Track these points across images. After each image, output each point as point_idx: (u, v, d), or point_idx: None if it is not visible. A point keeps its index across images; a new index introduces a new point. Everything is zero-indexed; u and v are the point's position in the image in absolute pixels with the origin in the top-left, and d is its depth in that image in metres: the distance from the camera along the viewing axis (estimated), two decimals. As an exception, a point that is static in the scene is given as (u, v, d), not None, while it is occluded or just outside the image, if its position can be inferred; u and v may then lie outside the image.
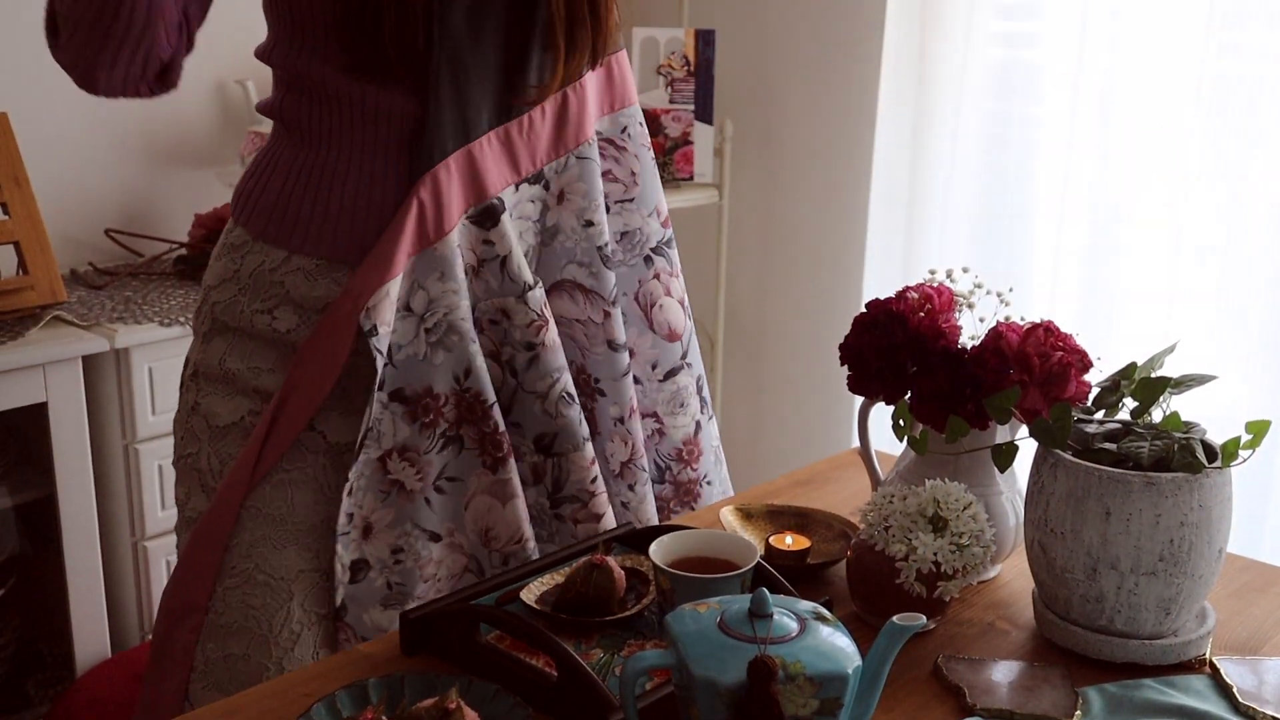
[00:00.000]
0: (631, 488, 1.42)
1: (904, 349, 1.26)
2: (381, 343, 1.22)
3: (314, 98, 1.25)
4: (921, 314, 1.27)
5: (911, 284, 1.32)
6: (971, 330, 1.29)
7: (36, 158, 2.36)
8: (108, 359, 2.19)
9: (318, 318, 1.26)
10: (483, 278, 1.28)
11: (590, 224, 1.35)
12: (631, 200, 1.42)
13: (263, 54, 1.29)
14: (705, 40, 2.73)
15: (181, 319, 2.23)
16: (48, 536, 2.23)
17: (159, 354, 2.21)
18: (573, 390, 1.33)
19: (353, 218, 1.26)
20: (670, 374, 1.46)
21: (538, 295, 1.30)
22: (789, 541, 1.32)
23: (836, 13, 2.74)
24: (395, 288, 1.22)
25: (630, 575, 1.21)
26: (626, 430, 1.39)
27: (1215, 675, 1.14)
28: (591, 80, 1.35)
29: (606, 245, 1.36)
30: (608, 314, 1.37)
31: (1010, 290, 1.34)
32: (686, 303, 1.49)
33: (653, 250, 1.44)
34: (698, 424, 1.49)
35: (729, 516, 1.41)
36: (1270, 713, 1.07)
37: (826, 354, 2.80)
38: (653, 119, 2.74)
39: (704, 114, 2.76)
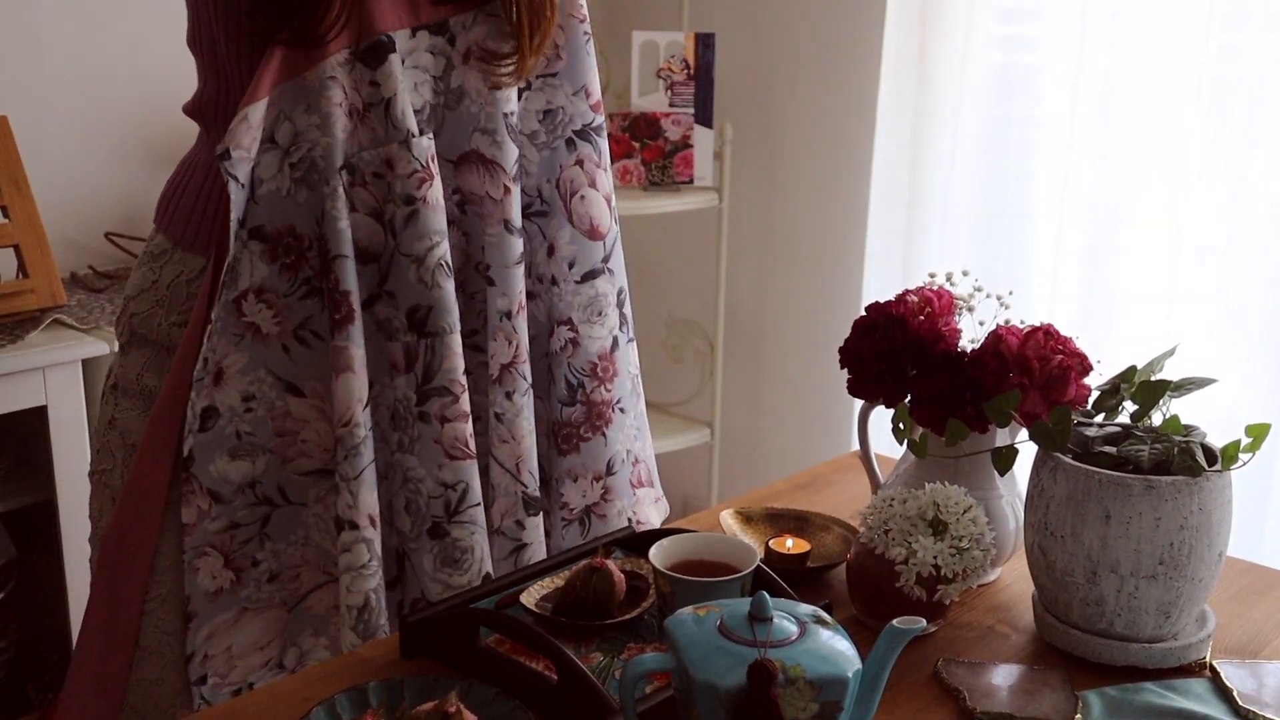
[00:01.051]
0: (509, 396, 1.30)
1: (904, 352, 1.26)
2: (235, 168, 1.15)
3: (229, 86, 1.21)
4: (921, 317, 1.27)
5: (911, 286, 1.32)
6: (971, 333, 1.29)
7: (36, 161, 2.36)
8: (108, 362, 2.18)
9: None
10: (368, 124, 1.20)
11: (496, 88, 1.27)
12: (554, 75, 1.30)
13: (188, 38, 1.26)
14: (705, 44, 2.73)
15: (181, 322, 2.23)
16: (47, 540, 2.23)
17: (159, 357, 2.21)
18: (450, 262, 1.23)
19: None
20: (589, 276, 1.35)
21: (423, 144, 1.20)
22: (789, 545, 1.32)
23: (836, 15, 2.75)
24: (255, 113, 1.15)
25: (630, 578, 1.21)
26: (512, 328, 1.29)
27: (1215, 678, 1.14)
28: None
29: (513, 114, 1.27)
30: (508, 190, 1.27)
31: (1010, 293, 1.34)
32: (615, 204, 1.37)
33: (576, 133, 1.33)
34: (615, 340, 1.38)
35: (729, 519, 1.41)
36: (1270, 716, 1.07)
37: (826, 356, 2.80)
38: (652, 122, 2.74)
39: (704, 117, 2.76)
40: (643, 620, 1.17)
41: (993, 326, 1.27)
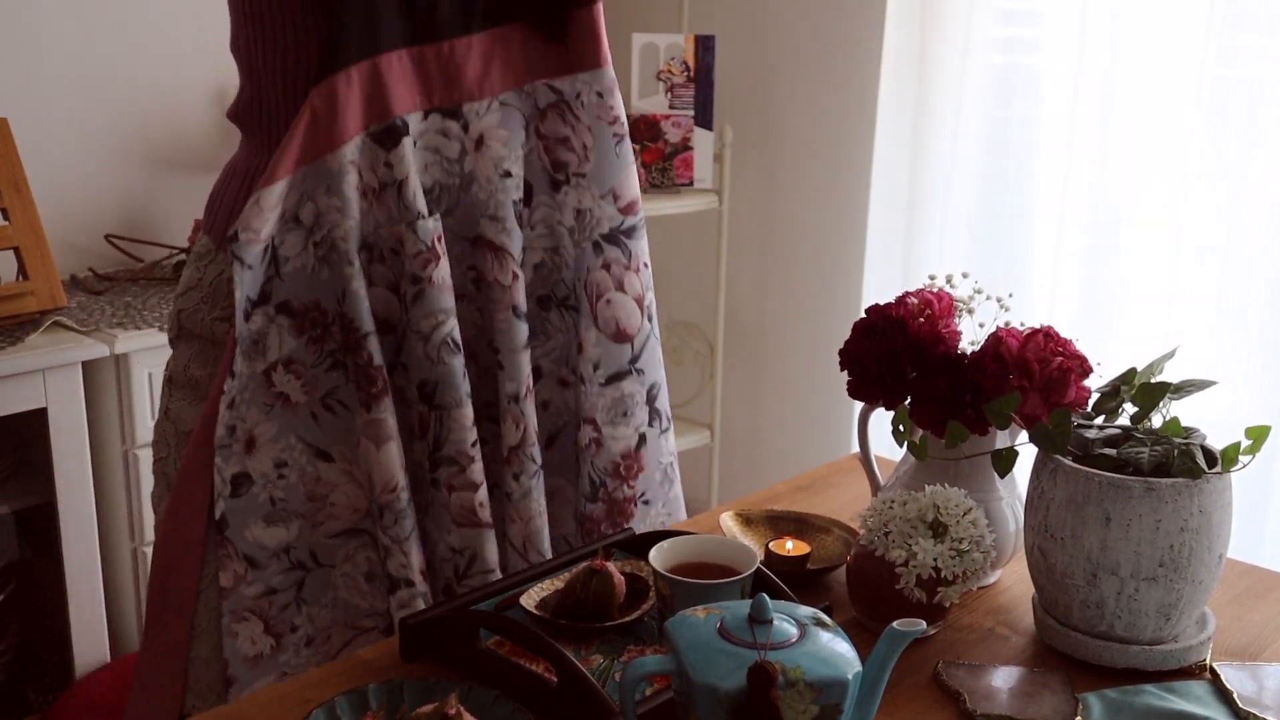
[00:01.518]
0: (516, 478, 1.31)
1: (904, 354, 1.26)
2: (243, 250, 1.18)
3: (262, 93, 1.24)
4: (921, 319, 1.27)
5: (911, 287, 1.32)
6: (971, 335, 1.29)
7: (37, 163, 2.36)
8: (107, 364, 2.19)
9: None
10: (384, 203, 1.23)
11: (508, 174, 1.28)
12: (583, 176, 1.32)
13: (231, 44, 1.29)
14: (705, 46, 2.73)
15: (181, 324, 2.23)
16: (47, 542, 2.23)
17: (159, 359, 2.21)
18: (459, 339, 1.26)
19: None
20: (614, 378, 1.35)
21: (429, 226, 1.23)
22: (789, 547, 1.32)
23: (836, 16, 2.75)
24: (269, 197, 1.18)
25: (630, 580, 1.21)
26: (519, 411, 1.31)
27: (1215, 681, 1.14)
28: (538, 31, 1.27)
29: (521, 201, 1.29)
30: (516, 276, 1.29)
31: (1010, 295, 1.34)
32: (649, 303, 1.38)
33: (603, 237, 1.33)
34: (641, 437, 1.39)
35: (729, 521, 1.40)
36: (1270, 718, 1.07)
37: (826, 358, 2.80)
38: (653, 124, 2.74)
39: (704, 119, 2.76)
40: (643, 622, 1.17)
41: (993, 328, 1.27)
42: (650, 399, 1.39)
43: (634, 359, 1.37)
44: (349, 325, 1.23)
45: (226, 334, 1.26)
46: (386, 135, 1.21)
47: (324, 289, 1.23)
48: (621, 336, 1.35)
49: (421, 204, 1.23)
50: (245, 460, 1.23)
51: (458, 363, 1.26)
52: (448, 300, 1.25)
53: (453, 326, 1.26)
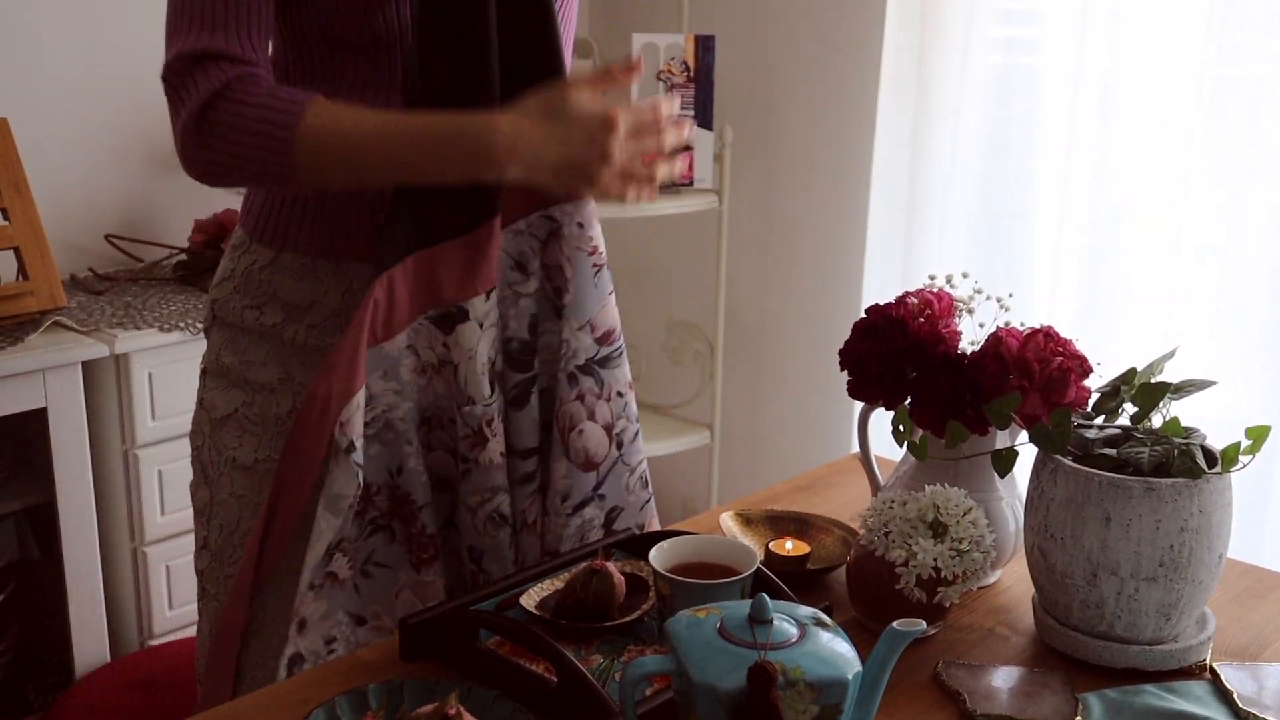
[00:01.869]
0: None
1: (904, 354, 1.26)
2: (360, 457, 1.20)
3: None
4: (921, 319, 1.27)
5: (911, 287, 1.32)
6: (971, 335, 1.29)
7: (37, 163, 2.36)
8: (107, 364, 2.19)
9: (304, 314, 1.28)
10: (443, 377, 1.26)
11: (502, 316, 1.30)
12: (565, 306, 1.32)
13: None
14: (705, 46, 2.73)
15: (181, 324, 2.22)
16: (48, 542, 2.23)
17: (159, 359, 2.21)
18: (507, 513, 1.29)
19: (336, 214, 1.27)
20: (580, 506, 1.35)
21: (476, 413, 1.25)
22: (789, 547, 1.32)
23: (836, 16, 2.75)
24: (362, 396, 1.20)
25: (630, 581, 1.21)
26: (520, 542, 1.34)
27: (1215, 681, 1.14)
28: None
29: (511, 341, 1.30)
30: (507, 413, 1.31)
31: (1010, 295, 1.34)
32: (620, 430, 1.37)
33: (579, 368, 1.33)
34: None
35: (729, 522, 1.40)
36: (1270, 718, 1.07)
37: (826, 358, 2.80)
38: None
39: (704, 120, 2.75)
40: (643, 622, 1.17)
41: (993, 328, 1.27)
42: (608, 522, 1.39)
43: (598, 485, 1.36)
44: (404, 497, 1.26)
45: (256, 321, 1.30)
46: (443, 319, 1.24)
47: (370, 464, 1.24)
48: (588, 465, 1.35)
49: (478, 388, 1.25)
50: (299, 642, 1.24)
51: (504, 535, 1.30)
52: (495, 479, 1.28)
53: (500, 502, 1.29)
